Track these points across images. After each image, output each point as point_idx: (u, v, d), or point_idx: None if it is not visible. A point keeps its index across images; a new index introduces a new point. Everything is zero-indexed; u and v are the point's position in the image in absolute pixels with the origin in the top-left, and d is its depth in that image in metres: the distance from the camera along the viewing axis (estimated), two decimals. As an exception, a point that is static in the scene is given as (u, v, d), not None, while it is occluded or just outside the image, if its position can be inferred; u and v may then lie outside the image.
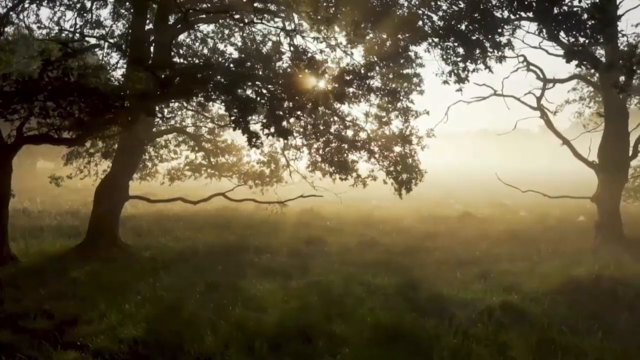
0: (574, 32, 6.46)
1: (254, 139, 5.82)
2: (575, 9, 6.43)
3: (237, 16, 11.28)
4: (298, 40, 13.90)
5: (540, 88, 13.94)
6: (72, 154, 14.82)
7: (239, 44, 15.85)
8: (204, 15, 11.97)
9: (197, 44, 16.76)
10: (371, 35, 11.57)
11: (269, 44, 14.95)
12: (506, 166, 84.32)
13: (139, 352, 5.80)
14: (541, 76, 13.80)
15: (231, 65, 8.96)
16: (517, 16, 6.81)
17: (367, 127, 12.58)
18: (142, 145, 11.38)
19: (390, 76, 12.46)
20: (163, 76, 5.75)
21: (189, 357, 5.66)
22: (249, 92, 6.62)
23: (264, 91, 6.54)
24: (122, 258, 10.76)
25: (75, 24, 14.20)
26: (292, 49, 13.33)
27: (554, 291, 7.62)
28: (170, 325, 6.46)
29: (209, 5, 12.52)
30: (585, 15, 6.23)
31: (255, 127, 12.21)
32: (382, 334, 6.37)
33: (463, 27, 7.91)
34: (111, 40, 13.04)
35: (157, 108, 6.56)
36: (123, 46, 11.11)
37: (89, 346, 5.90)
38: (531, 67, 14.19)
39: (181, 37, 16.11)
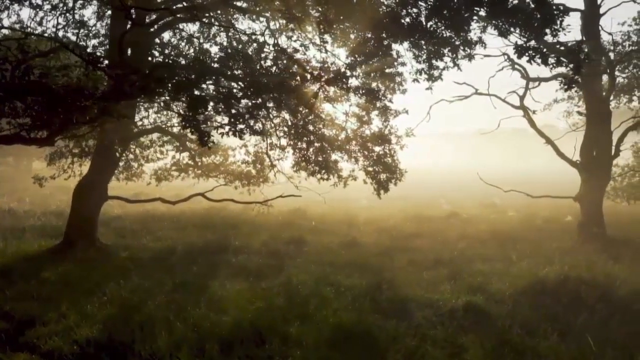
0: (523, 28, 6.35)
1: (205, 138, 5.77)
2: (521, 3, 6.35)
3: (207, 15, 11.16)
4: (285, 41, 13.88)
5: (525, 87, 13.86)
6: (56, 154, 14.80)
7: (225, 43, 15.86)
8: (180, 15, 11.91)
9: (182, 43, 16.79)
10: (346, 33, 11.53)
11: (255, 44, 14.94)
12: (504, 166, 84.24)
13: (89, 353, 5.76)
14: (525, 75, 13.72)
15: (215, 64, 8.99)
16: (473, 12, 6.72)
17: (347, 126, 12.55)
18: (122, 145, 11.32)
19: (372, 75, 12.43)
20: (115, 75, 5.72)
21: (138, 358, 5.62)
22: (211, 90, 6.58)
23: (225, 89, 6.49)
24: (98, 259, 10.73)
25: (57, 24, 14.17)
26: (275, 48, 13.35)
27: (520, 292, 7.54)
28: (126, 325, 6.43)
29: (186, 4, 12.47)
30: (533, 11, 6.14)
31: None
32: (341, 336, 6.31)
33: (431, 23, 7.80)
34: (91, 42, 13.00)
35: (116, 107, 6.50)
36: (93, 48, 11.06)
37: (41, 347, 5.88)
38: (516, 65, 14.14)
39: (166, 37, 16.11)
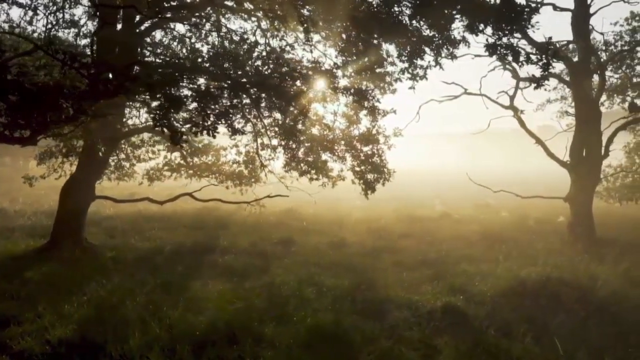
0: (494, 25, 6.30)
1: (177, 137, 5.74)
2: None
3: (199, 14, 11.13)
4: (277, 41, 13.85)
5: (515, 87, 13.81)
6: (46, 153, 14.78)
7: (217, 43, 15.84)
8: (169, 15, 11.89)
9: (174, 43, 16.77)
10: (335, 33, 11.49)
11: (243, 43, 14.92)
12: (505, 166, 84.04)
13: (60, 353, 5.73)
14: (515, 75, 13.66)
15: (199, 63, 8.94)
16: (448, 9, 6.67)
17: (335, 126, 12.52)
18: (108, 145, 11.29)
19: (362, 75, 12.40)
20: (87, 74, 5.69)
21: (109, 359, 5.58)
22: (188, 89, 6.54)
23: (203, 88, 6.45)
24: (84, 258, 10.70)
25: (47, 23, 14.16)
26: (266, 48, 13.33)
27: (501, 293, 7.48)
28: (101, 326, 6.39)
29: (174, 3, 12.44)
30: (501, 8, 6.09)
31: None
32: (317, 337, 6.27)
33: (414, 23, 7.76)
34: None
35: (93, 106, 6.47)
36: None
37: (13, 347, 5.85)
38: (507, 65, 14.07)
39: (158, 36, 16.10)
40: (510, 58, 6.62)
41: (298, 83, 11.01)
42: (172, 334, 6.12)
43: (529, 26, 6.44)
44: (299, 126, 12.35)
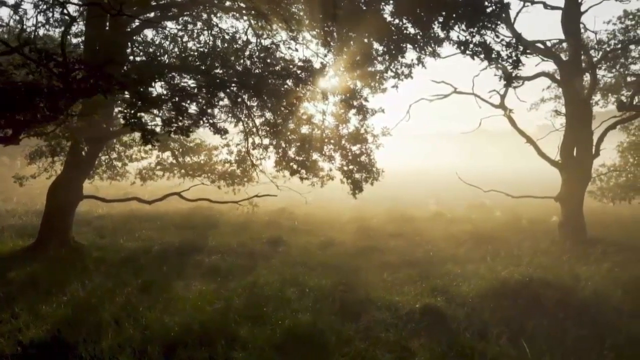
0: (466, 23, 6.22)
1: (148, 136, 5.67)
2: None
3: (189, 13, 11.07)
4: (268, 41, 13.80)
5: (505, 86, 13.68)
6: (36, 152, 14.75)
7: (210, 42, 15.79)
8: (157, 13, 11.83)
9: (166, 42, 16.72)
10: (327, 33, 11.43)
11: (229, 40, 14.87)
12: (504, 165, 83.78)
13: (31, 355, 5.68)
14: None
15: (197, 63, 8.87)
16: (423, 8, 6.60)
17: (324, 125, 12.44)
18: (93, 144, 11.25)
19: (352, 73, 12.33)
20: (58, 72, 5.63)
21: (79, 360, 5.53)
22: (164, 88, 6.49)
23: (179, 87, 6.40)
24: (70, 258, 10.65)
25: (37, 22, 14.13)
26: (257, 47, 13.24)
27: (482, 294, 7.40)
28: (77, 327, 6.35)
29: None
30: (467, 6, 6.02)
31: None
32: (292, 338, 6.21)
33: (397, 21, 7.68)
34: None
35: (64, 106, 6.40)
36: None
37: (-17, 348, 5.80)
38: (499, 65, 13.95)
39: (150, 35, 16.05)
40: (482, 56, 6.53)
41: (289, 82, 10.97)
42: (146, 335, 6.06)
43: (498, 23, 6.35)
44: (290, 125, 12.31)
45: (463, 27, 6.38)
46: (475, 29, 6.24)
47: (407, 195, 26.80)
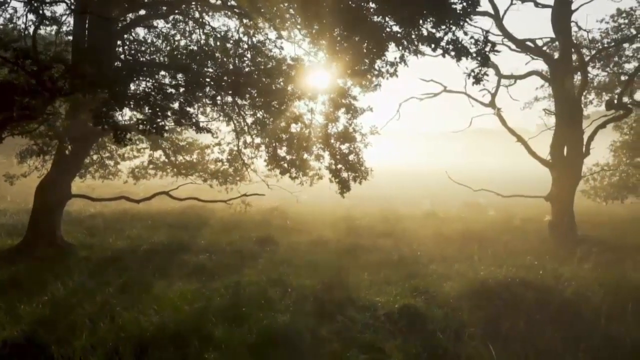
0: (434, 20, 6.14)
1: (121, 135, 5.63)
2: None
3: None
4: (252, 38, 13.75)
5: (497, 85, 13.63)
6: (27, 151, 14.74)
7: (202, 41, 15.75)
8: (144, 12, 11.80)
9: (159, 41, 16.68)
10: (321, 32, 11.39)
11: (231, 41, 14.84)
12: (505, 165, 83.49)
13: (2, 355, 5.65)
14: (497, 72, 13.50)
15: (184, 61, 8.82)
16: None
17: (313, 124, 12.40)
18: (79, 142, 11.21)
19: (342, 72, 12.28)
20: (31, 71, 5.60)
21: (50, 361, 5.51)
22: (142, 86, 6.46)
23: (155, 86, 6.36)
24: (56, 258, 10.63)
25: (26, 20, 14.11)
26: (246, 45, 13.19)
27: (463, 294, 7.34)
28: (52, 327, 6.32)
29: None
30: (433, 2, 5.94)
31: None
32: (268, 338, 6.17)
33: (379, 19, 7.61)
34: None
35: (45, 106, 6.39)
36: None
37: (-45, 348, 5.77)
38: (490, 63, 13.89)
39: (142, 34, 16.00)
40: (453, 53, 6.46)
41: (279, 81, 10.93)
42: (120, 336, 6.03)
43: (466, 20, 6.28)
44: (281, 123, 12.28)
45: (432, 24, 6.32)
46: (444, 26, 6.17)
47: (403, 194, 26.74)
